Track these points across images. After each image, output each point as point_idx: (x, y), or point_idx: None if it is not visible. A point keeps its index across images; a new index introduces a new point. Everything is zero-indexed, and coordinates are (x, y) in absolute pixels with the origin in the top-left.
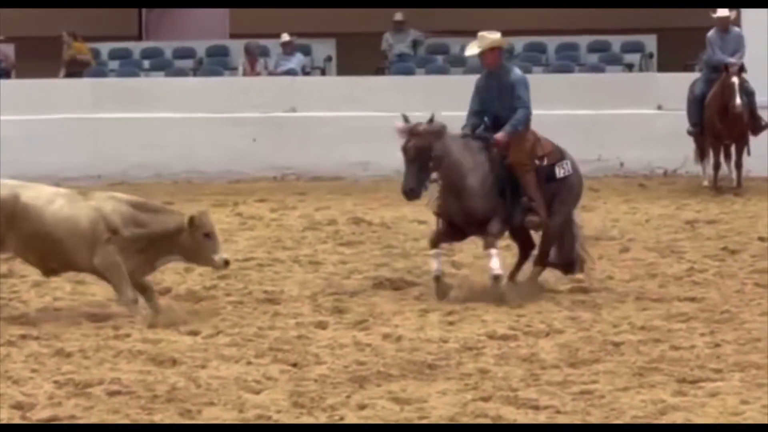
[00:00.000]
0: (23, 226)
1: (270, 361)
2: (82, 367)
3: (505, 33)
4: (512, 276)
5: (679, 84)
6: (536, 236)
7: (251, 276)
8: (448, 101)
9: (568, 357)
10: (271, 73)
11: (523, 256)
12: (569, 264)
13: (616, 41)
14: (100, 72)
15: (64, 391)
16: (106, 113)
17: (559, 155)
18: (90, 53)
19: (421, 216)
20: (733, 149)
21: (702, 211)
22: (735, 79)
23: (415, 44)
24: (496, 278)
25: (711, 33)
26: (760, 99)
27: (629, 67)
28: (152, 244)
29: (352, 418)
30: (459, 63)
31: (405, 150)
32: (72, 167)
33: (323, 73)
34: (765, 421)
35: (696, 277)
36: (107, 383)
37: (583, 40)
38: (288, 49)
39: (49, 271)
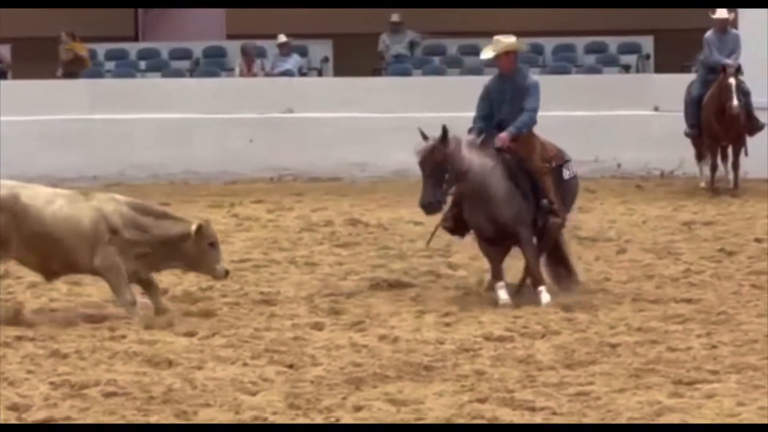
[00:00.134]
0: (23, 226)
1: (266, 363)
2: (78, 368)
3: (501, 34)
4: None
5: (676, 85)
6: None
7: (247, 277)
8: (444, 102)
9: (565, 358)
10: (267, 74)
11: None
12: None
13: (613, 42)
14: (97, 73)
15: (59, 392)
16: (102, 114)
17: (563, 157)
18: (87, 54)
19: (418, 217)
20: (730, 150)
21: (699, 213)
22: (732, 80)
23: (412, 45)
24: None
25: (708, 34)
26: (759, 100)
27: (626, 69)
28: (153, 250)
29: (348, 419)
30: (456, 64)
31: (421, 165)
32: (69, 168)
33: (320, 74)
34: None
35: (693, 279)
36: (103, 384)
37: (580, 42)
38: (285, 50)
39: (50, 274)
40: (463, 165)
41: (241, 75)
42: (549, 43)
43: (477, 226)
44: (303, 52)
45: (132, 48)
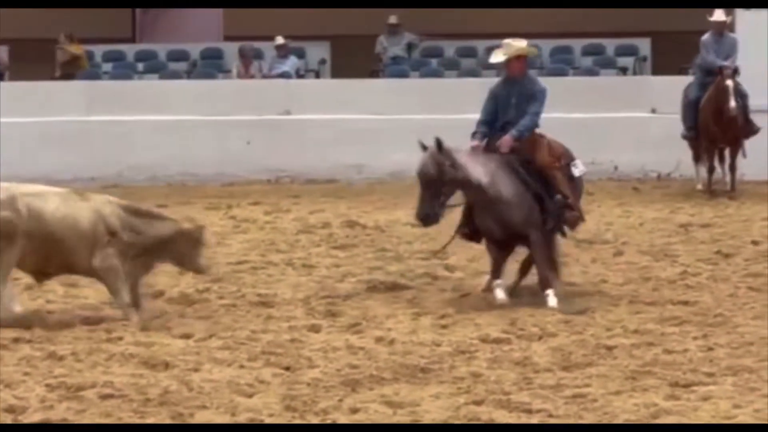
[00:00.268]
0: (24, 226)
1: (263, 365)
2: (75, 370)
3: (499, 36)
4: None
5: (673, 87)
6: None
7: (244, 279)
8: (442, 104)
9: (561, 361)
10: (265, 76)
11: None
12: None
13: (610, 44)
14: (94, 74)
15: (56, 394)
16: (99, 116)
17: (570, 156)
18: (84, 54)
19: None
20: (727, 153)
21: (696, 215)
22: (729, 82)
23: (410, 47)
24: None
25: (706, 36)
26: (758, 102)
27: (623, 71)
28: (146, 251)
29: (344, 421)
30: (453, 66)
31: (419, 177)
32: (66, 170)
33: (317, 75)
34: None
35: (689, 281)
36: (100, 386)
37: (578, 44)
38: (282, 51)
39: (43, 275)
40: (464, 174)
41: (239, 77)
42: (546, 45)
43: (487, 230)
44: (300, 54)
45: (129, 49)
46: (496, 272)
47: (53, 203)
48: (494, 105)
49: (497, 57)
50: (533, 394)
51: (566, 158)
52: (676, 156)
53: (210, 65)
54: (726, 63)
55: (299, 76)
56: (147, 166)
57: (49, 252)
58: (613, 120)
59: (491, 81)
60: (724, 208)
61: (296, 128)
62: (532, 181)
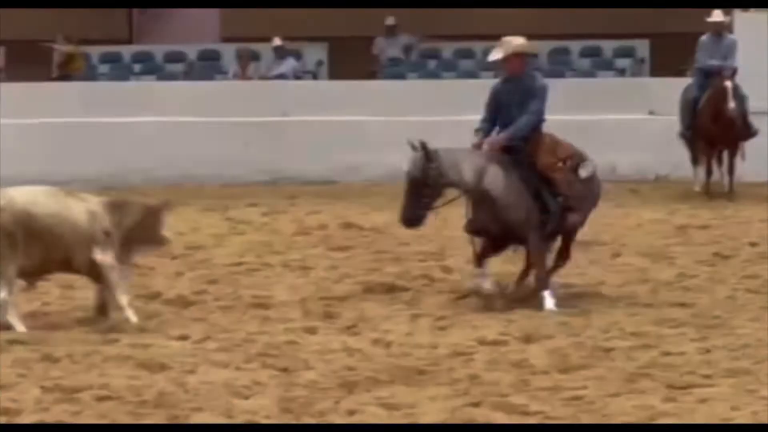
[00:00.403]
0: (25, 227)
1: (259, 367)
2: (70, 372)
3: (497, 37)
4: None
5: (671, 89)
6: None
7: (241, 281)
8: (440, 106)
9: (559, 363)
10: (262, 78)
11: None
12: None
13: (607, 46)
14: (91, 76)
15: (51, 396)
16: (96, 117)
17: (581, 157)
18: (81, 57)
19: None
20: (725, 154)
21: (694, 217)
22: (728, 83)
23: (408, 49)
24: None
25: (704, 37)
26: (757, 104)
27: (621, 72)
28: (125, 239)
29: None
30: (451, 67)
31: (406, 178)
32: (62, 171)
33: (315, 77)
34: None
35: (687, 283)
36: (95, 388)
37: (575, 45)
38: (280, 53)
39: (36, 276)
40: (450, 176)
41: (236, 78)
42: (544, 47)
43: (482, 227)
44: (298, 56)
45: (126, 51)
46: (480, 261)
47: (49, 204)
48: (496, 103)
49: (495, 55)
50: (530, 396)
51: (576, 159)
52: (675, 158)
53: (207, 67)
54: (721, 63)
55: (297, 77)
56: (144, 168)
57: (48, 250)
58: (611, 122)
59: (489, 82)
60: (722, 209)
61: (294, 130)
62: (534, 182)
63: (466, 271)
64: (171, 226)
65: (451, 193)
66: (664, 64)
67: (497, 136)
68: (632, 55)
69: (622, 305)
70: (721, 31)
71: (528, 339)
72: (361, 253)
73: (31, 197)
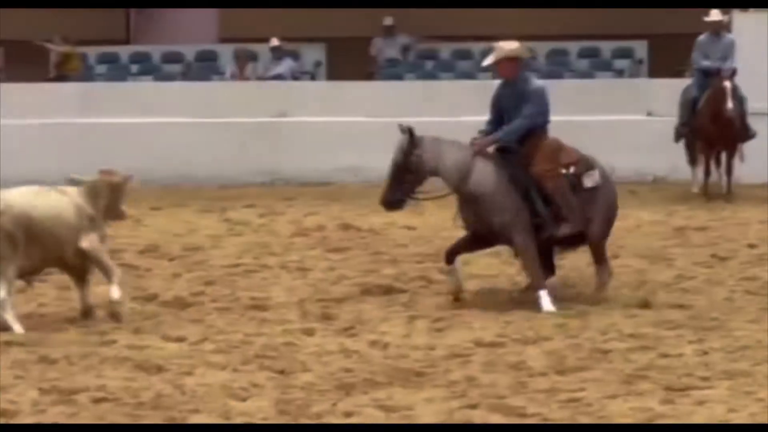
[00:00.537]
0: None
1: (256, 368)
2: (67, 373)
3: (495, 38)
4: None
5: (670, 90)
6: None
7: (238, 282)
8: (438, 106)
9: (556, 364)
10: (260, 78)
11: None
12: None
13: (606, 47)
14: (88, 76)
15: (48, 397)
16: (93, 118)
17: (587, 165)
18: (78, 57)
19: (411, 222)
20: (723, 155)
21: (692, 218)
22: (727, 84)
23: (405, 49)
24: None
25: (702, 37)
26: (757, 105)
27: (619, 73)
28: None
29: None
30: (449, 68)
31: (392, 161)
32: (60, 172)
33: (313, 78)
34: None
35: (685, 284)
36: (92, 390)
37: (573, 46)
38: (277, 53)
39: (30, 275)
40: (433, 164)
41: (234, 79)
42: (542, 48)
43: (467, 223)
44: (295, 56)
45: (123, 51)
46: (450, 258)
47: (45, 205)
48: (497, 107)
49: (487, 60)
50: (528, 398)
51: (582, 166)
52: (672, 159)
53: (205, 67)
54: (717, 64)
55: (294, 78)
56: (141, 169)
57: (46, 253)
58: (609, 123)
59: (487, 83)
60: (720, 211)
61: (291, 130)
62: (526, 184)
63: (463, 273)
64: (169, 227)
65: (442, 189)
66: (662, 65)
67: (484, 138)
68: (630, 56)
69: (620, 307)
70: (719, 30)
71: (525, 341)
72: (359, 255)
73: (28, 199)
